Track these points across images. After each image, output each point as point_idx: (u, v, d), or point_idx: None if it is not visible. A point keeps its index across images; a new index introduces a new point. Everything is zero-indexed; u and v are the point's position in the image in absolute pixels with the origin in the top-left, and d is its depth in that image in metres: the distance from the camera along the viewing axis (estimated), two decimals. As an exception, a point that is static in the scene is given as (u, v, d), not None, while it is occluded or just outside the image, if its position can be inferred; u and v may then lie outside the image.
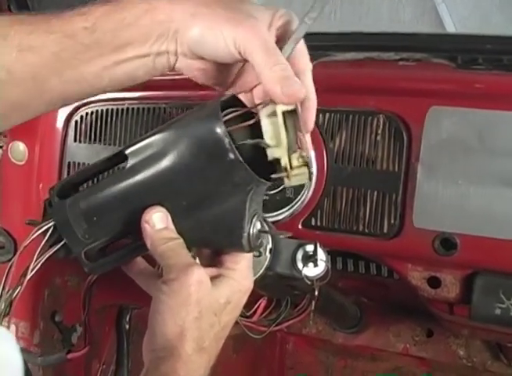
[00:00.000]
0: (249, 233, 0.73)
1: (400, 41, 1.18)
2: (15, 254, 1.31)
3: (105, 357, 1.57)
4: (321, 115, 1.09)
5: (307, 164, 0.69)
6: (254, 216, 0.74)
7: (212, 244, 0.78)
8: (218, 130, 0.67)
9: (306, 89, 0.70)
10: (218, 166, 0.69)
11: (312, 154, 1.08)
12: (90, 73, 0.70)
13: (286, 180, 0.70)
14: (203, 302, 0.72)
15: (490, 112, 1.01)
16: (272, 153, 0.69)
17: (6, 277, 0.76)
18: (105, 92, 0.76)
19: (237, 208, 0.72)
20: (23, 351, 1.27)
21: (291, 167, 0.69)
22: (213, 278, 0.75)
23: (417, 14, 3.41)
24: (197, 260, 0.78)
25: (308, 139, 0.72)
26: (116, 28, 0.69)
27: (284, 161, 0.69)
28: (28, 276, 0.76)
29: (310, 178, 0.72)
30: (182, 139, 0.70)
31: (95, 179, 0.83)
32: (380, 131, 1.06)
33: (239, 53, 0.67)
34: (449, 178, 1.02)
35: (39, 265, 0.76)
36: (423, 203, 1.03)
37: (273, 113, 0.68)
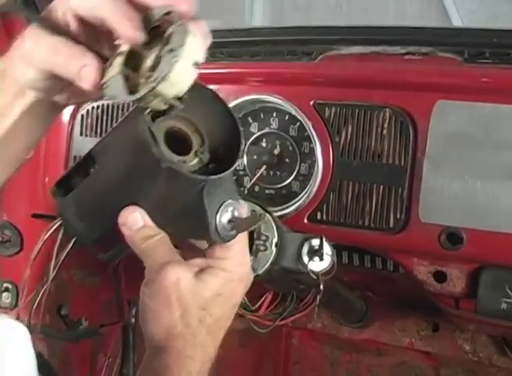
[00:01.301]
0: (216, 226, 0.71)
1: (406, 34, 1.17)
2: (21, 247, 1.32)
3: (111, 351, 1.58)
4: (327, 109, 1.08)
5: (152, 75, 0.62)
6: (220, 207, 0.72)
7: (192, 237, 0.78)
8: (140, 128, 0.66)
9: None
10: (149, 170, 0.67)
11: (318, 148, 1.09)
12: None
13: (165, 92, 0.63)
14: (186, 299, 0.71)
15: (497, 106, 1.00)
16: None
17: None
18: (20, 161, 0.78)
19: (195, 205, 0.70)
20: (50, 328, 1.28)
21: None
22: (200, 271, 0.74)
23: (423, 8, 3.39)
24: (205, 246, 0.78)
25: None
26: None
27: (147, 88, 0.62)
28: (51, 276, 0.81)
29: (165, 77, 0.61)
30: (117, 143, 0.71)
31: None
32: (386, 126, 1.06)
33: None
34: (456, 173, 1.01)
35: (61, 261, 0.80)
36: (429, 197, 1.03)
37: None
